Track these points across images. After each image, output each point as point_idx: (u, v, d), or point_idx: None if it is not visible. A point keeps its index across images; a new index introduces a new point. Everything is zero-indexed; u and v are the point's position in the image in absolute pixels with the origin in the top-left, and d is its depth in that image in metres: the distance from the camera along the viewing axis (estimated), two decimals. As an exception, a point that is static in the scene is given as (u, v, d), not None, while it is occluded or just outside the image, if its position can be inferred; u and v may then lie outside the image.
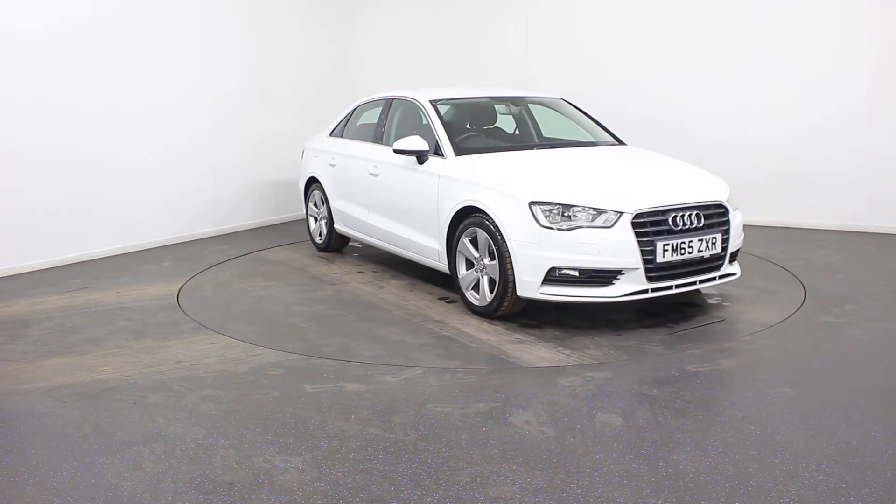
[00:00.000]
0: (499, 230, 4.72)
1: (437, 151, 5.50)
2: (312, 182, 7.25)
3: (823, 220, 7.73)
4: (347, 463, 3.04)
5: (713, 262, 4.79)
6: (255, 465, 3.04)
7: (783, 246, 6.95)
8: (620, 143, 6.06)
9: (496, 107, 6.44)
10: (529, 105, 6.49)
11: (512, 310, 4.86)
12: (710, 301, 5.27)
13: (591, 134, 6.15)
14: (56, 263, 6.68)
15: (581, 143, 5.97)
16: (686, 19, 8.29)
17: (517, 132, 6.37)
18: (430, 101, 5.89)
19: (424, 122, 5.85)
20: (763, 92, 7.94)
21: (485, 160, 5.30)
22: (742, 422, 3.35)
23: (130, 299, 5.63)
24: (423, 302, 5.44)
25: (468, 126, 6.17)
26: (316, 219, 7.27)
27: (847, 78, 7.50)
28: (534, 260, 4.56)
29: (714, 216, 4.77)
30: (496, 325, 4.84)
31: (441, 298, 5.49)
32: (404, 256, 5.98)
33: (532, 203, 4.60)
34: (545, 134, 6.38)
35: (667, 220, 4.56)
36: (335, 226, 6.92)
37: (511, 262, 4.66)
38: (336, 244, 7.11)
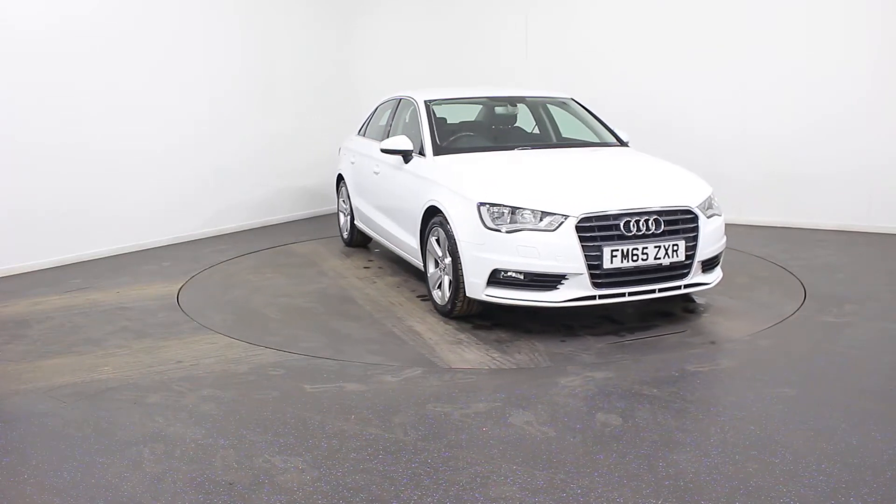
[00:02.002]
0: (452, 230, 4.72)
1: (422, 151, 5.54)
2: (341, 179, 7.49)
3: (823, 220, 7.73)
4: (347, 463, 3.04)
5: (676, 271, 4.55)
6: (255, 465, 3.04)
7: (783, 246, 6.95)
8: (622, 144, 5.97)
9: (496, 107, 6.44)
10: (530, 105, 6.46)
11: (468, 310, 4.84)
12: (692, 310, 5.08)
13: (595, 135, 6.07)
14: (56, 263, 6.68)
15: (575, 144, 5.92)
16: (686, 19, 8.29)
17: (513, 132, 6.34)
18: (425, 101, 5.95)
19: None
20: (763, 92, 7.94)
21: (456, 161, 5.28)
22: (742, 422, 3.35)
23: (130, 299, 5.63)
24: (399, 299, 5.50)
25: (464, 126, 6.20)
26: (345, 214, 7.45)
27: (847, 78, 7.50)
28: (479, 261, 4.53)
29: (678, 222, 4.53)
30: (451, 324, 4.86)
31: (420, 296, 5.54)
32: (397, 253, 6.06)
33: (480, 204, 4.56)
34: (548, 135, 6.36)
35: (618, 224, 4.37)
36: (355, 222, 7.09)
37: (461, 263, 4.66)
38: (359, 240, 7.23)
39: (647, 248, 4.40)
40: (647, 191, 4.69)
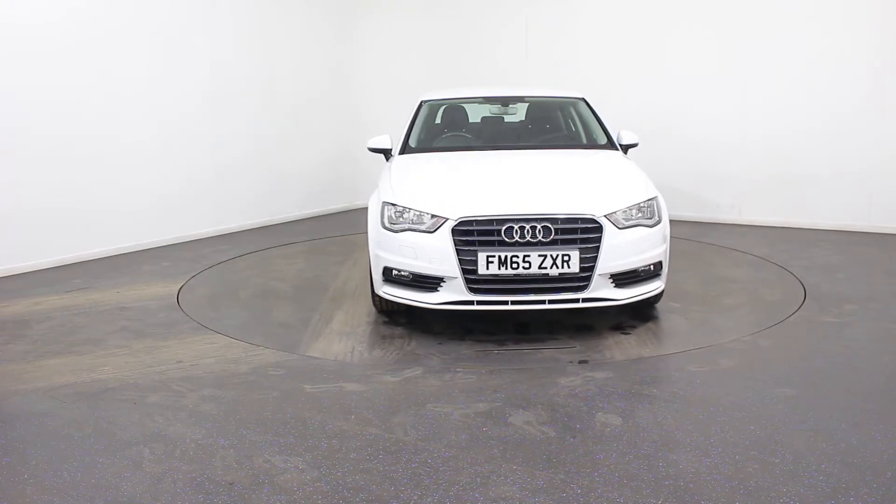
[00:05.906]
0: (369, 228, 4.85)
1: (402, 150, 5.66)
2: None
3: (823, 220, 7.74)
4: (347, 463, 3.04)
5: (570, 283, 4.28)
6: (255, 465, 3.04)
7: (783, 246, 6.96)
8: (612, 146, 5.64)
9: (491, 108, 6.47)
10: (533, 104, 6.42)
11: (389, 306, 4.91)
12: (621, 327, 4.73)
13: (593, 136, 5.87)
14: (56, 263, 6.68)
15: (548, 146, 5.77)
16: (688, 18, 8.29)
17: (500, 133, 6.27)
18: (421, 101, 6.04)
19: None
20: (764, 93, 7.95)
21: (405, 160, 5.37)
22: (742, 422, 3.35)
23: (130, 299, 5.63)
24: (366, 290, 5.63)
25: (461, 126, 6.22)
26: None
27: (847, 79, 7.51)
28: (377, 259, 4.67)
29: (576, 231, 4.27)
30: (370, 317, 5.04)
31: None
32: None
33: (385, 203, 4.65)
34: (543, 135, 6.32)
35: (499, 230, 4.23)
36: None
37: (370, 260, 4.79)
38: None
39: (528, 256, 4.22)
40: (550, 196, 4.48)
